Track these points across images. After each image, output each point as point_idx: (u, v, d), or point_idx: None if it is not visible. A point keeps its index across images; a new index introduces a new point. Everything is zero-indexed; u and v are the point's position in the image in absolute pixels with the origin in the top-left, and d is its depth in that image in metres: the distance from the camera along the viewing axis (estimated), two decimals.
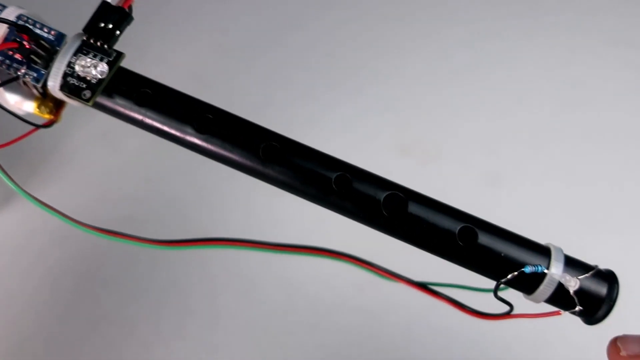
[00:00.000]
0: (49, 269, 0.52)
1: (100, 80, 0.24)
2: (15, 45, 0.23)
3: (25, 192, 0.25)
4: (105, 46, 0.25)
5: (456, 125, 0.58)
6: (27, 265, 0.52)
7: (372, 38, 0.62)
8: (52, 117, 0.27)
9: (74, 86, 0.25)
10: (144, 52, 0.54)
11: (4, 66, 0.25)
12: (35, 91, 0.27)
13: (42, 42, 0.24)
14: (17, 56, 0.25)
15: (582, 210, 0.53)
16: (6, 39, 0.24)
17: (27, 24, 0.25)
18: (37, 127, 0.26)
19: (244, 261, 0.52)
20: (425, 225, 0.24)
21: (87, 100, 0.24)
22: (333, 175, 0.25)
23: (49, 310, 0.51)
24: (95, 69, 0.24)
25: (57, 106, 0.27)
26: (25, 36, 0.24)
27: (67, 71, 0.24)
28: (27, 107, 0.27)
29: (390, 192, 0.24)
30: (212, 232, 0.53)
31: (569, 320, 0.26)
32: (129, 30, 0.25)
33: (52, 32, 0.25)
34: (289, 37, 0.62)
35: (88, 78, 0.24)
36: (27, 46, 0.24)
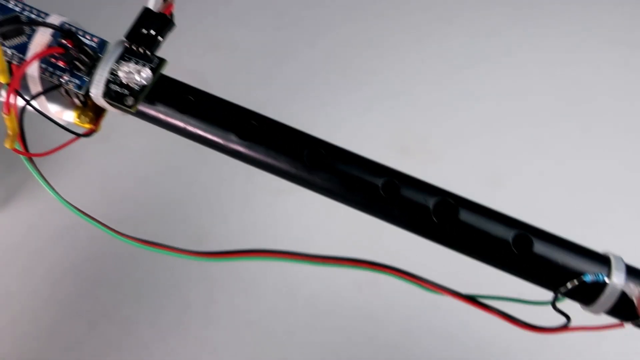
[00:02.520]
0: (48, 268, 0.52)
1: (143, 87, 0.24)
2: (62, 50, 0.23)
3: (67, 202, 0.25)
4: (148, 52, 0.24)
5: (457, 125, 0.58)
6: (27, 264, 0.52)
7: (373, 37, 0.62)
8: (92, 126, 0.27)
9: (117, 93, 0.24)
10: None
11: (47, 74, 0.25)
12: (76, 100, 0.27)
13: (86, 48, 0.24)
14: (60, 63, 0.24)
15: (582, 210, 0.53)
16: (50, 46, 0.24)
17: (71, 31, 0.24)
18: (79, 136, 0.26)
19: (243, 263, 0.51)
20: (478, 233, 0.23)
21: (130, 107, 0.24)
22: (380, 182, 0.24)
23: (49, 309, 0.51)
24: (138, 75, 0.24)
25: (96, 115, 0.27)
26: (69, 42, 0.24)
27: (109, 78, 0.24)
28: (67, 116, 0.27)
29: (440, 198, 0.24)
30: (212, 232, 0.53)
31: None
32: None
33: (94, 39, 0.25)
34: (288, 36, 0.62)
35: (131, 85, 0.24)
36: (71, 53, 0.24)
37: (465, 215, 0.23)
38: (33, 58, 0.23)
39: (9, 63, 0.24)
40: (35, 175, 0.24)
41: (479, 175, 0.54)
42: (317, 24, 0.63)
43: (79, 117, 0.27)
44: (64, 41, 0.24)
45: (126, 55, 0.25)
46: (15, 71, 0.23)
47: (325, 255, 0.28)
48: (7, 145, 0.23)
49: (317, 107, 0.59)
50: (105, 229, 0.26)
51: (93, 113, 0.27)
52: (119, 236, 0.26)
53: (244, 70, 0.61)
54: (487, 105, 0.58)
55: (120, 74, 0.24)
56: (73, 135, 0.26)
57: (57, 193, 0.25)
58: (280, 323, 0.50)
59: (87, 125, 0.27)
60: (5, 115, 0.22)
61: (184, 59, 0.61)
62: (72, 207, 0.25)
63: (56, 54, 0.24)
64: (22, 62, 0.24)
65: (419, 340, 0.49)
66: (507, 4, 0.64)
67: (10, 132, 0.23)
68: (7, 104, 0.22)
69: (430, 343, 0.49)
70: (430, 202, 0.24)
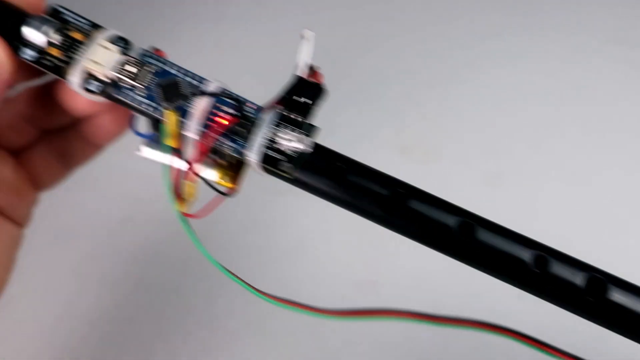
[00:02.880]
0: (49, 268, 0.53)
1: (300, 154, 0.25)
2: (237, 120, 0.24)
3: (218, 263, 0.25)
4: (303, 120, 0.25)
5: (456, 125, 0.58)
6: (27, 266, 0.54)
7: (371, 38, 0.62)
8: (234, 185, 0.28)
9: (274, 159, 0.25)
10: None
11: None
12: (219, 159, 0.27)
13: (246, 114, 0.25)
14: (220, 128, 0.25)
15: (582, 210, 0.53)
16: (211, 112, 0.25)
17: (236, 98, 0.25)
18: (225, 195, 0.27)
19: (242, 262, 0.52)
20: (629, 313, 0.24)
21: (288, 174, 0.25)
22: (529, 257, 0.24)
23: (50, 309, 0.52)
24: (295, 142, 0.25)
25: (237, 174, 0.28)
26: (234, 109, 0.24)
27: (266, 144, 0.25)
28: (208, 174, 0.28)
29: (590, 274, 0.24)
30: (212, 232, 0.53)
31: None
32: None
33: (251, 105, 0.26)
34: (288, 36, 0.62)
35: (287, 152, 0.25)
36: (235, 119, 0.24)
37: (615, 295, 0.24)
38: (216, 133, 0.23)
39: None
40: (188, 234, 0.25)
41: (479, 175, 0.55)
42: (317, 26, 0.63)
43: (222, 177, 0.27)
44: (230, 110, 0.25)
45: (281, 121, 0.25)
46: (200, 146, 0.23)
47: (449, 316, 0.29)
48: (183, 209, 0.24)
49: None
50: (248, 288, 0.26)
51: (234, 172, 0.28)
52: (262, 295, 0.26)
53: (244, 69, 0.61)
54: (487, 105, 0.58)
55: (279, 140, 0.25)
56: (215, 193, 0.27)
57: (207, 253, 0.25)
58: (279, 324, 0.50)
59: (230, 185, 0.28)
60: (186, 182, 0.23)
61: (184, 58, 0.61)
62: (221, 267, 0.26)
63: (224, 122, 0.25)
64: (186, 126, 0.25)
65: (419, 340, 0.49)
66: (508, 4, 0.63)
67: (188, 198, 0.24)
68: (193, 171, 0.23)
69: (431, 342, 0.49)
70: (580, 279, 0.24)
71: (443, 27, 0.63)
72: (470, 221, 0.25)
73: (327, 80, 0.63)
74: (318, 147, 0.26)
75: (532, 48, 0.62)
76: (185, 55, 0.60)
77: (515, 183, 0.54)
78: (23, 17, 0.26)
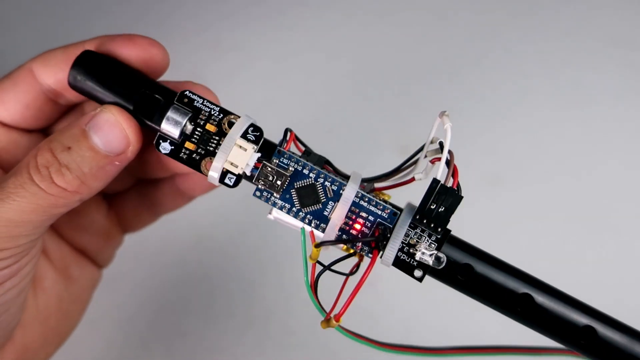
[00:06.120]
0: None
1: (427, 261, 0.26)
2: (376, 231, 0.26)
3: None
4: (438, 228, 0.25)
5: (456, 125, 0.56)
6: None
7: (371, 37, 0.60)
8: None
9: (405, 263, 0.26)
10: None
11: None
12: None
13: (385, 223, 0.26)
14: (354, 232, 0.26)
15: (582, 210, 0.54)
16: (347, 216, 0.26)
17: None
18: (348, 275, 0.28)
19: (243, 262, 0.52)
20: None
21: (419, 279, 0.26)
22: None
23: None
24: (429, 258, 0.25)
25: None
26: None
27: (399, 247, 0.26)
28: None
29: None
30: (212, 233, 0.52)
31: None
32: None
33: (387, 210, 0.26)
34: (285, 35, 0.60)
35: (417, 257, 0.26)
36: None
37: None
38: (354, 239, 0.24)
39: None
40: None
41: (479, 175, 0.55)
42: (313, 25, 0.60)
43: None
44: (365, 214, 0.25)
45: (416, 225, 0.26)
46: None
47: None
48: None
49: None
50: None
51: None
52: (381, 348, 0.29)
53: (243, 69, 0.58)
54: (487, 105, 0.57)
55: (417, 250, 0.25)
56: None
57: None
58: (279, 323, 0.50)
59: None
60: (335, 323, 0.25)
61: (183, 58, 0.58)
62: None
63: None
64: (322, 229, 0.26)
65: (419, 340, 0.52)
66: (507, 4, 0.61)
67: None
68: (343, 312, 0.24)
69: (430, 343, 0.52)
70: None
71: (441, 27, 0.60)
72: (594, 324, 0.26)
73: (326, 81, 0.59)
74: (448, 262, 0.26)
75: (531, 48, 0.59)
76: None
77: (515, 184, 0.55)
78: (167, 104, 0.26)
